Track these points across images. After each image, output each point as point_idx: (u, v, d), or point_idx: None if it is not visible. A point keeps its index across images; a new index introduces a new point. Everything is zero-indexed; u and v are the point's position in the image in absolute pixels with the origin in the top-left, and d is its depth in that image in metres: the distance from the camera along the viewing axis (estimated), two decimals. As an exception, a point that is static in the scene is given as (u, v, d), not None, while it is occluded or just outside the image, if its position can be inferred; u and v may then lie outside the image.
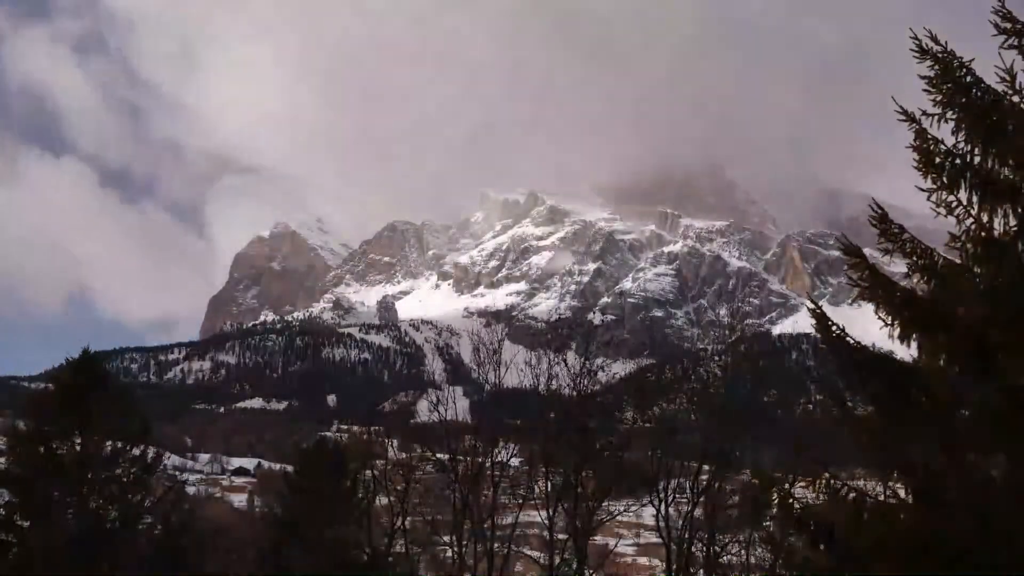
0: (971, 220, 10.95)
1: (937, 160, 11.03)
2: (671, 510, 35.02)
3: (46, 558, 27.21)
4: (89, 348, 31.04)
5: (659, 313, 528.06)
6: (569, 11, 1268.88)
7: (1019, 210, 10.72)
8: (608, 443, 35.84)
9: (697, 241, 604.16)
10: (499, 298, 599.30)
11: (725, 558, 34.83)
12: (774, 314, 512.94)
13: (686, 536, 34.21)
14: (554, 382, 35.11)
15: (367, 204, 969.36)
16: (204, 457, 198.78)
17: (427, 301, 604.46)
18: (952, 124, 11.03)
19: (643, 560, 77.86)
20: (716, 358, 38.12)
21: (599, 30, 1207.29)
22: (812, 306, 12.09)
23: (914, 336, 11.04)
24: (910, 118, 11.22)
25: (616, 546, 55.47)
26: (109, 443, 29.34)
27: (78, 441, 28.99)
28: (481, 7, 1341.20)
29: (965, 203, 11.01)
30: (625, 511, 40.84)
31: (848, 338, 11.63)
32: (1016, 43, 10.91)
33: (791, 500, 12.16)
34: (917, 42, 11.03)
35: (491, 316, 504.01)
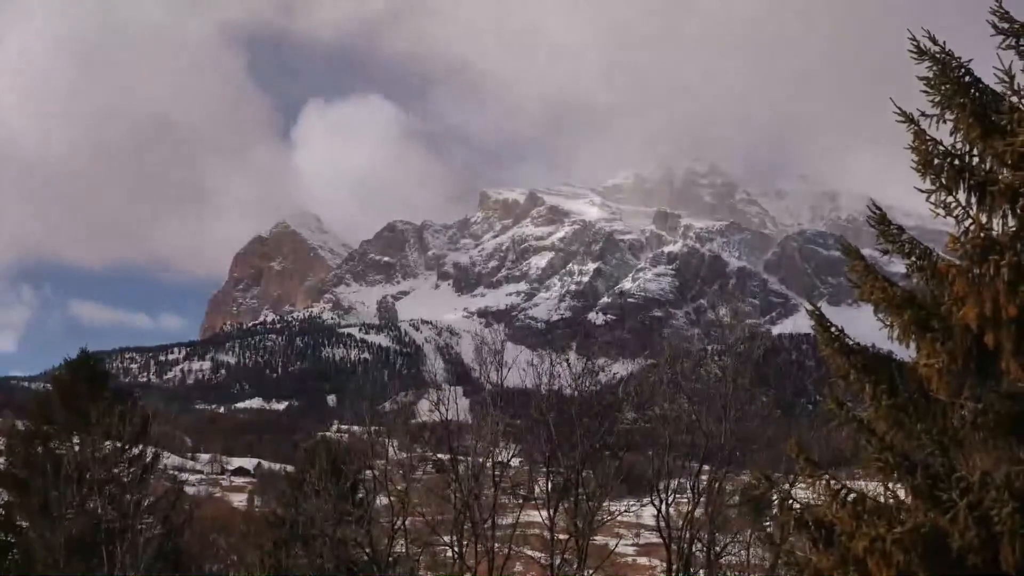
0: (970, 221, 10.95)
1: (935, 161, 11.04)
2: (671, 510, 35.03)
3: (45, 558, 27.21)
4: (87, 347, 31.09)
5: (659, 313, 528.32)
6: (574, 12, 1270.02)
7: (1018, 211, 10.73)
8: (609, 443, 35.85)
9: (697, 241, 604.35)
10: (499, 298, 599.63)
11: (725, 558, 34.85)
12: (774, 314, 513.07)
13: (686, 536, 34.22)
14: (555, 382, 35.14)
15: (367, 204, 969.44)
16: (204, 457, 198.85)
17: (427, 301, 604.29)
18: (951, 125, 11.05)
19: (643, 560, 77.93)
20: (716, 358, 38.13)
21: (598, 29, 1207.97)
22: (811, 307, 12.13)
23: (913, 337, 11.07)
24: (908, 119, 11.23)
25: (616, 546, 55.49)
26: (108, 443, 29.35)
27: (76, 441, 28.99)
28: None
29: (964, 204, 11.02)
30: (625, 511, 40.85)
31: (847, 338, 11.65)
32: (1014, 43, 10.92)
33: (791, 500, 12.18)
34: (915, 43, 11.05)
35: (491, 316, 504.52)
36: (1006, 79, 10.65)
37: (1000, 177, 10.82)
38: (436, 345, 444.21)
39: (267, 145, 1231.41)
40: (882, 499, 11.51)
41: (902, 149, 11.25)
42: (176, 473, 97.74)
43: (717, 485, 33.87)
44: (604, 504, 36.33)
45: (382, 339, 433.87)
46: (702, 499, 33.86)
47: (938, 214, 11.12)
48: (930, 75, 11.06)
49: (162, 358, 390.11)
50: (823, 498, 11.52)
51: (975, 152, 10.94)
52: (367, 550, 37.40)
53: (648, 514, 40.73)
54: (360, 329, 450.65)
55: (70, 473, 28.21)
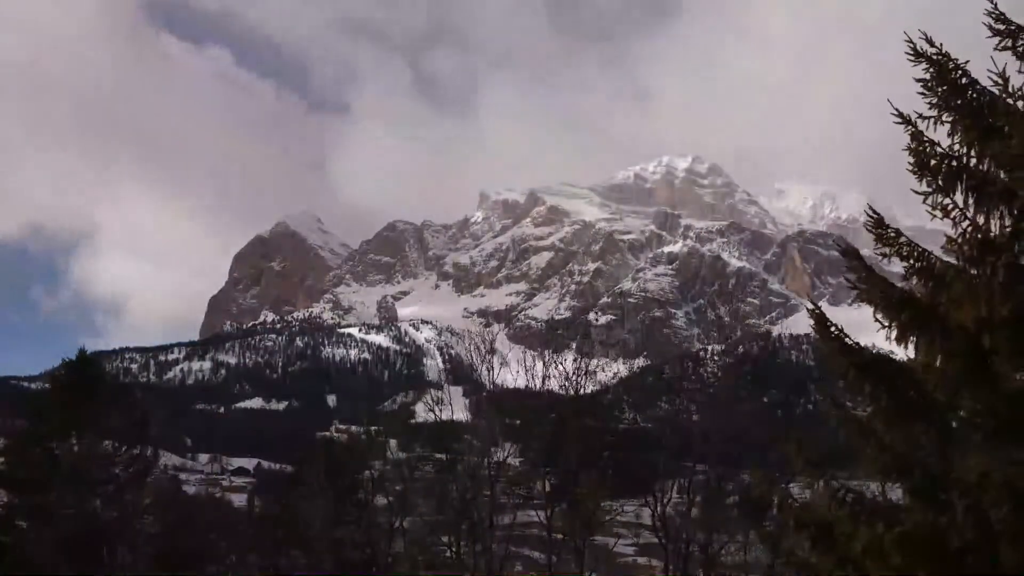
0: (967, 223, 10.96)
1: (933, 163, 11.04)
2: (669, 510, 35.05)
3: (44, 558, 27.20)
4: (85, 348, 31.09)
5: (659, 313, 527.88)
6: (570, 5, 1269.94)
7: (1015, 212, 10.74)
8: (608, 443, 35.87)
9: (697, 241, 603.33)
10: (499, 298, 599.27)
11: (723, 558, 34.87)
12: (774, 314, 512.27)
13: (684, 536, 34.23)
14: (554, 382, 35.18)
15: (367, 204, 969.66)
16: (204, 457, 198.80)
17: (427, 301, 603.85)
18: (948, 127, 11.05)
19: (643, 560, 77.85)
20: (716, 358, 38.13)
21: (598, 28, 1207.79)
22: (811, 307, 12.13)
23: (912, 338, 11.08)
24: (906, 120, 11.23)
25: (615, 546, 55.45)
26: (106, 443, 29.35)
27: (75, 441, 28.96)
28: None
29: (961, 205, 11.03)
30: (624, 511, 40.87)
31: (847, 339, 11.65)
32: (1010, 44, 10.92)
33: (790, 500, 12.19)
34: (912, 45, 11.05)
35: (491, 316, 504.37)
36: (1000, 82, 10.66)
37: (997, 179, 10.83)
38: (436, 345, 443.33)
39: (267, 144, 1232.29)
40: (881, 499, 11.52)
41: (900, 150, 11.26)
42: (176, 473, 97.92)
43: (716, 485, 33.89)
44: (603, 504, 36.36)
45: (382, 339, 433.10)
46: (698, 499, 33.91)
47: (935, 216, 11.13)
48: (927, 77, 11.07)
49: (162, 358, 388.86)
50: (822, 498, 11.53)
51: (973, 154, 10.94)
52: (367, 550, 37.44)
53: (648, 514, 40.74)
54: (360, 329, 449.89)
55: (68, 473, 28.19)
